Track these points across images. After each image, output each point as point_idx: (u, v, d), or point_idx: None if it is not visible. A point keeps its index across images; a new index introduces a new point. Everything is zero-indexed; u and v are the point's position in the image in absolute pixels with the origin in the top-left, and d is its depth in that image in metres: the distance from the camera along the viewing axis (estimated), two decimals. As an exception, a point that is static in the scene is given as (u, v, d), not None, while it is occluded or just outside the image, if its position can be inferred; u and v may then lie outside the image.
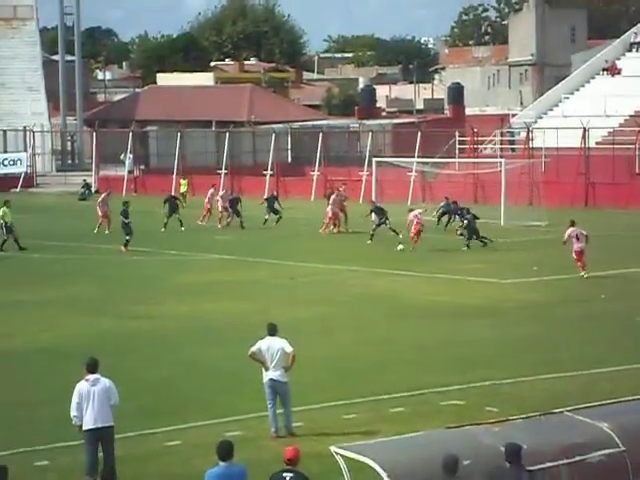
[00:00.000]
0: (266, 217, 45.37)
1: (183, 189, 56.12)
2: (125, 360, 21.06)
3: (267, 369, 16.57)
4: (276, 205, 45.96)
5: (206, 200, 46.83)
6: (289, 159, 69.24)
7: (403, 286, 30.40)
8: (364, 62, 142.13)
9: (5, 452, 15.65)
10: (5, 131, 70.59)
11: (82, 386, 14.48)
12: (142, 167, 68.28)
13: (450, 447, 11.32)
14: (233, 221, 45.13)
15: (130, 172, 65.64)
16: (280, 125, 69.37)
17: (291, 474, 11.42)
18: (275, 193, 50.63)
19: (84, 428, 14.44)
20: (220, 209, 45.50)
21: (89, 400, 14.37)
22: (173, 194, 49.83)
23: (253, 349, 16.67)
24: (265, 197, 47.60)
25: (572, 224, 30.82)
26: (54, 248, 38.86)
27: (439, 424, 15.54)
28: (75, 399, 14.48)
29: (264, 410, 16.84)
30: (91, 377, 14.48)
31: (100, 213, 43.11)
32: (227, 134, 64.62)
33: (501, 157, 52.06)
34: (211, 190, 47.41)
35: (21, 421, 17.76)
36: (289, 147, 70.19)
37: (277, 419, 16.64)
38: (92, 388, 14.39)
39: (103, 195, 44.76)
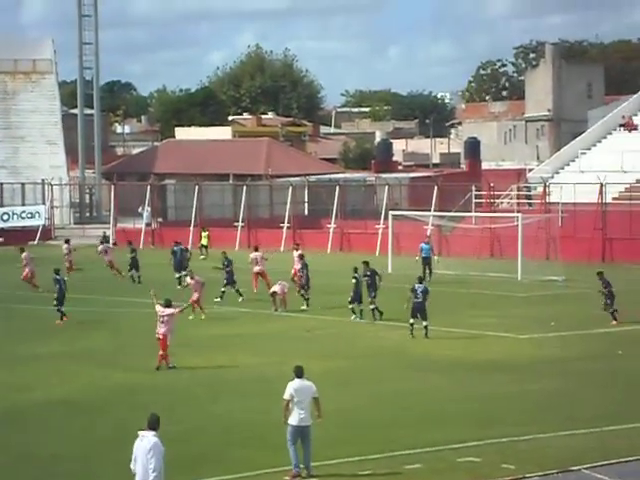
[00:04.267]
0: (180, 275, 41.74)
1: (204, 241, 56.18)
2: (139, 414, 20.95)
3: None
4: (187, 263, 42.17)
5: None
6: (306, 212, 69.43)
7: (418, 340, 30.26)
8: (381, 116, 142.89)
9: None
10: (24, 184, 70.90)
11: (137, 440, 14.29)
12: (160, 220, 68.50)
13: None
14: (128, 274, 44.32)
15: (148, 225, 65.83)
16: (297, 178, 69.64)
17: None
18: (182, 246, 45.55)
19: None
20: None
21: (136, 456, 14.17)
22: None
23: (286, 397, 16.94)
24: (173, 249, 44.17)
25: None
26: (70, 300, 38.86)
27: (455, 481, 15.42)
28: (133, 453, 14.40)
29: (282, 464, 16.77)
30: (141, 433, 14.21)
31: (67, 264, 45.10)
32: (244, 187, 64.90)
33: (518, 212, 52.05)
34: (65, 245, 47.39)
35: (38, 476, 17.68)
36: (306, 200, 70.41)
37: (298, 456, 16.87)
38: (139, 444, 14.15)
39: (66, 246, 46.97)
